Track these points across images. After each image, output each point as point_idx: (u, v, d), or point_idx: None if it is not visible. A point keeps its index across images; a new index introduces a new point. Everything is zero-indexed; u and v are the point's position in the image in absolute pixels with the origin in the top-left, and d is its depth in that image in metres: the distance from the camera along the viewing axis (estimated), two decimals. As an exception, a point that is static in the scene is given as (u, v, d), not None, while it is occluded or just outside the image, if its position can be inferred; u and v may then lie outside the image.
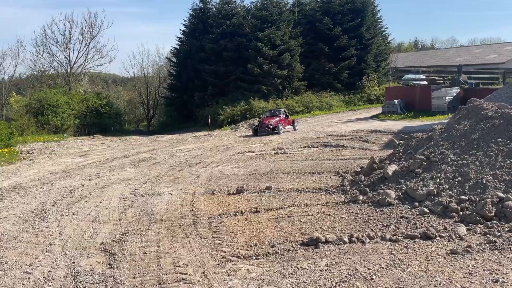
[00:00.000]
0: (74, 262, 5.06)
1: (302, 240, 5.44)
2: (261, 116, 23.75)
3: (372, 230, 5.71)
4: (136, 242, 5.72)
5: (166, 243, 5.64)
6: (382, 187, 7.31)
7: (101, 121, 35.20)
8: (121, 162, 14.32)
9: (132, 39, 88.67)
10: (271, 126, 20.79)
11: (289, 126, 22.03)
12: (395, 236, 5.39)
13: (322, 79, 34.16)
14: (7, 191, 10.14)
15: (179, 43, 36.99)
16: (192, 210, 7.32)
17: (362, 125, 20.47)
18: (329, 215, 6.49)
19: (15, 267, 4.97)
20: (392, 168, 7.68)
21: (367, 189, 7.48)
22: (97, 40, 49.14)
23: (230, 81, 31.69)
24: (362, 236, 5.43)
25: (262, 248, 5.28)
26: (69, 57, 38.58)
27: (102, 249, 5.51)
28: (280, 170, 10.51)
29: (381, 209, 6.53)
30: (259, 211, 6.94)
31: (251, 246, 5.39)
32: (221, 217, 6.78)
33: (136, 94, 47.82)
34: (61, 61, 38.85)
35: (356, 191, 7.59)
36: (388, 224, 5.87)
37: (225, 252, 5.21)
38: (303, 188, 8.35)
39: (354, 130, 18.44)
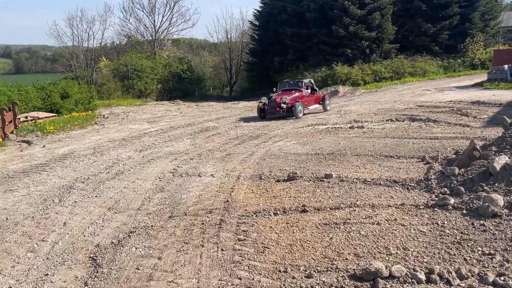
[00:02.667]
0: (47, 275, 3.93)
1: (354, 270, 3.73)
2: (274, 89, 17.07)
3: (465, 260, 3.80)
4: (136, 248, 4.45)
5: (172, 254, 4.28)
6: (485, 188, 5.20)
7: (182, 86, 35.35)
8: (182, 131, 13.40)
9: (216, 3, 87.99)
10: (284, 106, 14.80)
11: (316, 106, 16.38)
12: (502, 278, 3.45)
13: (416, 41, 30.32)
14: (56, 160, 9.62)
15: (262, 5, 35.22)
16: (227, 201, 5.89)
17: (462, 95, 17.33)
18: (403, 225, 4.64)
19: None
20: (501, 161, 5.49)
21: (462, 188, 5.41)
22: (180, 4, 49.25)
23: (312, 45, 29.35)
24: (449, 272, 3.56)
25: (293, 278, 3.68)
26: (154, 21, 38.93)
27: (92, 255, 4.33)
28: (350, 150, 8.63)
29: (481, 222, 4.52)
30: (307, 211, 5.29)
31: (279, 271, 3.82)
32: (257, 215, 5.26)
33: (220, 60, 47.29)
34: (146, 25, 39.39)
35: (446, 189, 5.56)
36: (492, 251, 3.89)
37: (240, 279, 3.71)
38: (373, 178, 6.47)
39: (450, 101, 15.55)
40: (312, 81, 17.64)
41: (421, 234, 4.40)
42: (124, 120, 18.12)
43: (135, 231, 4.90)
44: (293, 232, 4.70)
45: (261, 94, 31.21)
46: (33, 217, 5.58)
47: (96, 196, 6.45)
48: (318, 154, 8.56)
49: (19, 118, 15.35)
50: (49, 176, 7.98)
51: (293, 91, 15.86)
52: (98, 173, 8.00)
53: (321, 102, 16.69)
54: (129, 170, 8.08)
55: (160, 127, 14.74)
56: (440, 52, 30.14)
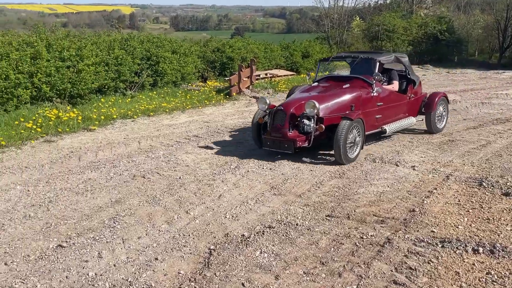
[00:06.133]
0: (157, 259, 3.45)
1: None
2: (307, 74, 8.80)
3: None
4: (261, 252, 3.52)
5: (294, 276, 3.17)
6: None
7: (437, 49, 31.70)
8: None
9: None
10: (309, 126, 5.94)
11: (410, 120, 7.28)
12: None
13: None
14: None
15: None
16: (414, 211, 4.29)
17: None
18: None
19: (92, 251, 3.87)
20: None
21: None
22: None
23: None
24: None
25: None
26: (416, -26, 35.50)
27: (213, 247, 3.64)
28: None
29: None
30: (533, 261, 3.25)
31: None
32: (444, 246, 3.55)
33: (493, 19, 39.76)
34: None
35: None
36: None
37: None
38: None
39: None
40: (406, 60, 7.57)
41: None
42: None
43: (275, 227, 4.00)
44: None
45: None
46: (200, 181, 5.37)
47: (270, 169, 5.83)
48: None
49: (259, 75, 16.31)
50: (245, 136, 7.83)
51: (345, 87, 6.56)
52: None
53: (423, 110, 7.58)
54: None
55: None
56: None
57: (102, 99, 10.51)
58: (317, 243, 3.67)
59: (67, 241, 3.75)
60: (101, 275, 3.24)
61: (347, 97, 6.36)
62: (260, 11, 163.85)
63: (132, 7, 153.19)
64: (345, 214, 4.27)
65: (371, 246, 3.60)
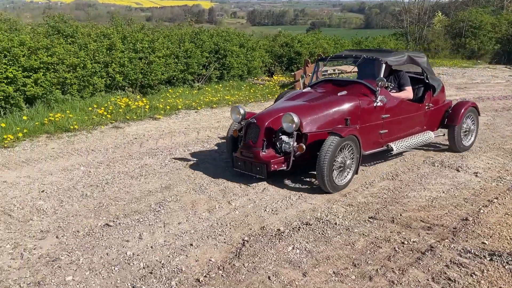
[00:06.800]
0: (191, 245, 3.54)
1: None
2: (302, 79, 6.80)
3: None
4: (293, 248, 3.48)
5: (322, 275, 3.10)
6: None
7: (527, 47, 28.96)
8: (488, 104, 10.68)
9: None
10: (288, 144, 4.79)
11: (427, 136, 5.90)
12: None
13: None
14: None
15: None
16: (467, 219, 3.99)
17: None
18: None
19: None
20: None
21: None
22: None
23: None
24: None
25: None
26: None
27: (247, 238, 3.65)
28: None
29: None
30: None
31: None
32: (492, 259, 3.26)
33: None
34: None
35: None
36: None
37: None
38: None
39: None
40: (425, 61, 6.03)
41: None
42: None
43: (312, 224, 3.93)
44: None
45: None
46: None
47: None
48: None
49: (327, 70, 16.02)
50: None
51: (340, 94, 5.30)
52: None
53: (446, 123, 6.27)
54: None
55: (465, 96, 12.26)
56: None
57: (170, 90, 10.97)
58: (353, 244, 3.56)
59: (114, 221, 4.00)
60: (137, 255, 3.41)
61: (340, 108, 5.04)
62: (338, 5, 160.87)
63: (211, 2, 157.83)
64: (389, 217, 4.08)
65: (411, 252, 3.42)
